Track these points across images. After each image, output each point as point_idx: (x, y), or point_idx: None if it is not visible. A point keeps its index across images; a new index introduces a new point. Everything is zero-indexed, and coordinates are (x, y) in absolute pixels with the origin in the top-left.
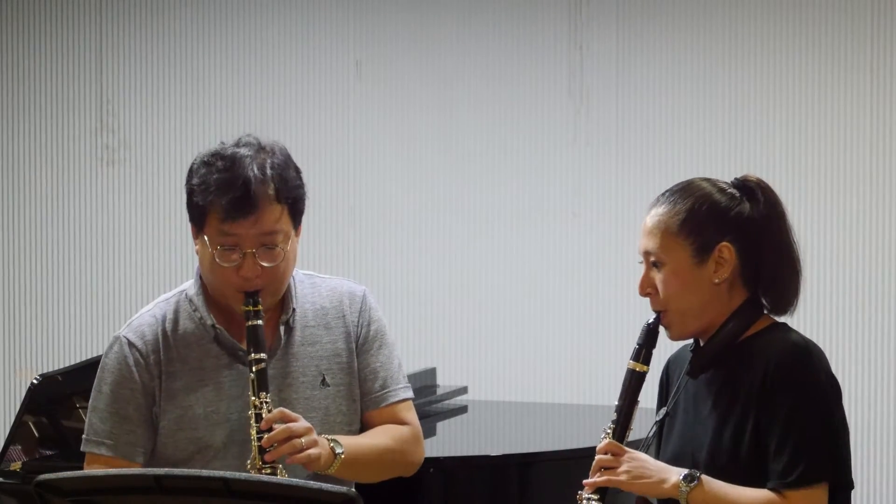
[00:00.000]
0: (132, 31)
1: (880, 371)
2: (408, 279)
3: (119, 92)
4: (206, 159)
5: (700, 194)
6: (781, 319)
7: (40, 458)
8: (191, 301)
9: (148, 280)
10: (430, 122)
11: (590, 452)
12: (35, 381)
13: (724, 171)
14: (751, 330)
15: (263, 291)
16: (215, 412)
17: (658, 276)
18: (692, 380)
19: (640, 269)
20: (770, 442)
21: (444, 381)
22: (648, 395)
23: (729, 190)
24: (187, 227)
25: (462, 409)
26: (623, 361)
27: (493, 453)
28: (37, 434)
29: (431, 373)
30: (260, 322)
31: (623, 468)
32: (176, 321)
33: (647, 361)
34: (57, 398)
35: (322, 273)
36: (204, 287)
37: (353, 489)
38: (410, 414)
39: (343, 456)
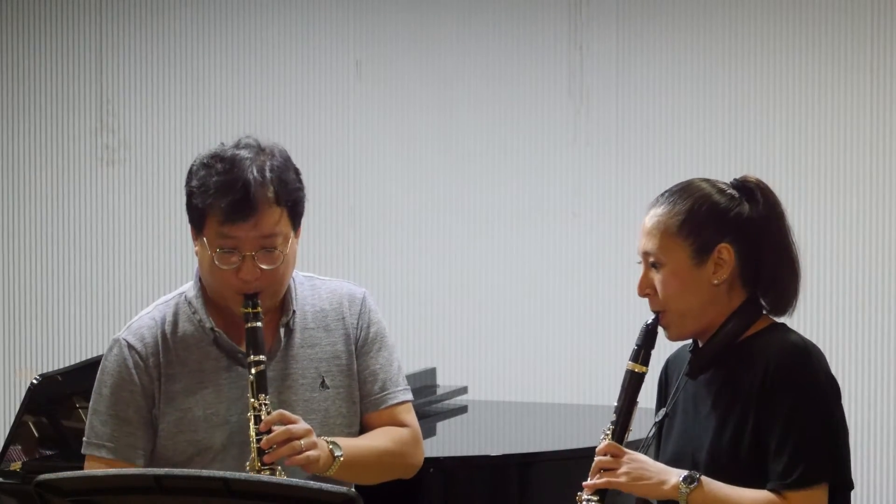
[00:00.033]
0: (132, 31)
1: (880, 371)
2: (408, 279)
3: (119, 92)
4: (205, 161)
5: (699, 195)
6: (781, 320)
7: (40, 458)
8: (190, 303)
9: (148, 280)
10: (430, 122)
11: (589, 452)
12: (35, 381)
13: (724, 171)
14: (750, 330)
15: (263, 293)
16: (215, 414)
17: (657, 277)
18: (691, 380)
19: (640, 270)
20: (770, 442)
21: (444, 382)
22: (648, 395)
23: (728, 191)
24: (187, 227)
25: (462, 410)
26: (623, 361)
27: (493, 453)
28: (37, 434)
29: (431, 373)
30: (259, 324)
31: (623, 469)
32: (175, 323)
33: (645, 362)
34: (57, 398)
35: (322, 274)
36: (203, 289)
37: (353, 489)
38: (410, 416)
39: (342, 458)
